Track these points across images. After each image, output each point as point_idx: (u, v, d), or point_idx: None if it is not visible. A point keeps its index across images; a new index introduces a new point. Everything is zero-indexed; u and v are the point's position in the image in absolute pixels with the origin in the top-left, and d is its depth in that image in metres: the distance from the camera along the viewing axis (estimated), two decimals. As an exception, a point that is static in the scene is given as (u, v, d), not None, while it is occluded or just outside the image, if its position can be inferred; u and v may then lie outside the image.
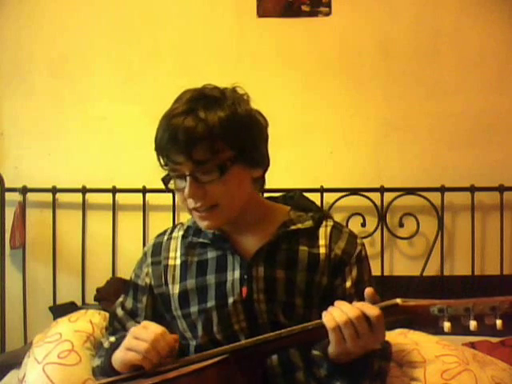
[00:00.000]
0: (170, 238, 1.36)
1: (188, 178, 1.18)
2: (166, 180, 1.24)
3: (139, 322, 1.26)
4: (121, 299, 1.40)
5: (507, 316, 1.00)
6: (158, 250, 1.36)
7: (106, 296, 2.14)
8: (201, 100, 1.19)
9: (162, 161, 1.22)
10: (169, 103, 1.24)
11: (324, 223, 1.32)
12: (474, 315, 1.01)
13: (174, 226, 1.41)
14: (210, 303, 1.25)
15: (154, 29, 2.34)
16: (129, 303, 1.37)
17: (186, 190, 1.18)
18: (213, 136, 1.15)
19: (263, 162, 1.27)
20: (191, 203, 1.20)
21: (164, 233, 1.40)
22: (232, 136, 1.17)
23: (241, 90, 1.25)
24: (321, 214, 1.34)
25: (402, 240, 2.28)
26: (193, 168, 1.17)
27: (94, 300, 2.18)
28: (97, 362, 1.33)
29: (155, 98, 2.27)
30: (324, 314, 1.09)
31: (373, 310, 1.06)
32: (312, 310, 1.24)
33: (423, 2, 2.30)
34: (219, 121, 1.16)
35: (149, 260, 1.36)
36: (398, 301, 1.07)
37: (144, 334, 1.15)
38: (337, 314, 1.06)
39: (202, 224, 1.24)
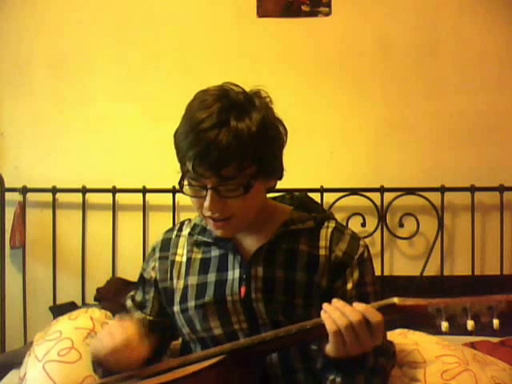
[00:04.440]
0: (178, 236, 1.37)
1: (210, 191, 1.17)
2: (181, 184, 1.22)
3: (147, 314, 1.35)
4: (132, 293, 1.42)
5: (504, 315, 1.00)
6: (166, 245, 1.37)
7: (106, 296, 2.14)
8: (231, 110, 1.15)
9: (183, 169, 1.20)
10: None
11: (326, 224, 1.31)
12: (472, 315, 1.01)
13: (182, 223, 1.41)
14: (208, 299, 1.26)
15: (154, 29, 2.34)
16: (139, 296, 1.40)
17: (207, 203, 1.17)
18: (243, 154, 1.14)
19: (280, 172, 1.28)
20: (207, 213, 1.20)
21: (173, 229, 1.41)
22: (259, 153, 1.17)
23: (264, 93, 1.24)
24: (323, 215, 1.34)
25: (402, 240, 2.27)
26: (217, 183, 1.16)
27: (94, 300, 2.18)
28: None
29: (155, 98, 2.29)
30: (323, 314, 1.08)
31: (375, 316, 1.05)
32: (312, 311, 1.23)
33: (423, 1, 2.30)
34: (250, 138, 1.14)
35: (157, 255, 1.37)
36: (396, 300, 1.06)
37: (105, 341, 1.17)
38: (337, 316, 1.06)
39: (216, 232, 1.25)
